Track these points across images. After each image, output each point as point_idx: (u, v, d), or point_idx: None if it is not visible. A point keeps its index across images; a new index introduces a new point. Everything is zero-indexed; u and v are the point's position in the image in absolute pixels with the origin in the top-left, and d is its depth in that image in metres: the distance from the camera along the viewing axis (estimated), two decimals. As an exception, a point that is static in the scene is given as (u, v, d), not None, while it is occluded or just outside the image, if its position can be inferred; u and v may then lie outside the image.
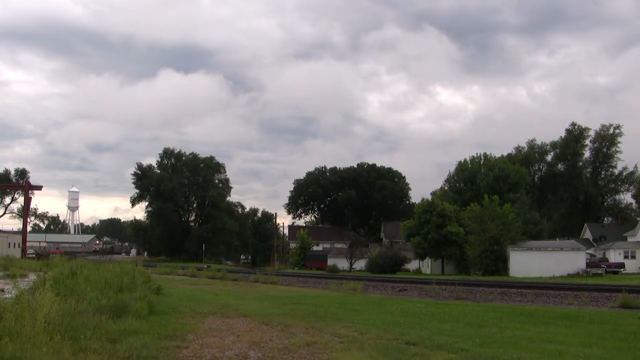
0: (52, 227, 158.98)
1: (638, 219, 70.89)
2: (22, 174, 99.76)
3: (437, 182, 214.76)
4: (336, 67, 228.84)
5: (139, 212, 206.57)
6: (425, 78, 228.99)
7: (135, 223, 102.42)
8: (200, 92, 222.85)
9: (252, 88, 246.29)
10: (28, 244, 68.36)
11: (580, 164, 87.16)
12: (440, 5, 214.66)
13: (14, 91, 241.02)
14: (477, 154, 73.00)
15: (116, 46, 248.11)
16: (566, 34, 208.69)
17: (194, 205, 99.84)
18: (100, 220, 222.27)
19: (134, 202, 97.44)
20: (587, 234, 73.03)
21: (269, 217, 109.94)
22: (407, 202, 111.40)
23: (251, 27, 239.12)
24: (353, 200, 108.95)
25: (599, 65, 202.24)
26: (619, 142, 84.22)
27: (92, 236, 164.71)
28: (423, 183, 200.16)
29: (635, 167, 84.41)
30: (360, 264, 65.92)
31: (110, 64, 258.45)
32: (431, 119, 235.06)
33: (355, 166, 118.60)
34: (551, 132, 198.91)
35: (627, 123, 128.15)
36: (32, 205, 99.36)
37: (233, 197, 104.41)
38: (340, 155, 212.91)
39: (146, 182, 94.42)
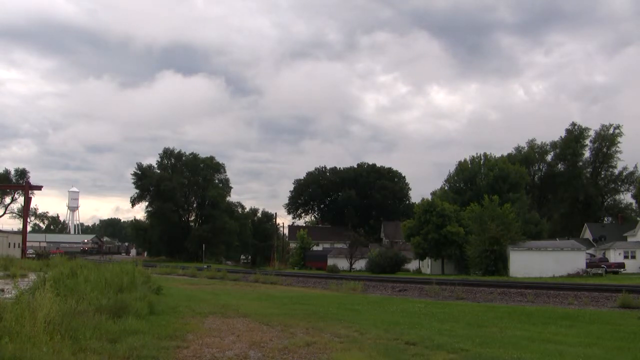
0: (52, 227, 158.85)
1: (638, 219, 70.87)
2: (22, 174, 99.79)
3: (434, 182, 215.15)
4: (332, 67, 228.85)
5: (139, 212, 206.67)
6: (421, 78, 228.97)
7: (135, 223, 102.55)
8: (198, 92, 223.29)
9: (249, 88, 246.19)
10: (28, 244, 68.45)
11: (580, 164, 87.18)
12: (436, 4, 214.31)
13: (9, 90, 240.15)
14: (477, 154, 73.12)
15: (113, 46, 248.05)
16: (563, 33, 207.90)
17: (194, 205, 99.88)
18: (101, 220, 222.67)
19: (134, 202, 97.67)
20: (587, 234, 73.01)
21: (269, 217, 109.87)
22: (407, 202, 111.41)
23: (246, 26, 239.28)
24: (353, 200, 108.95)
25: (596, 64, 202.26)
26: (619, 142, 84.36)
27: (92, 236, 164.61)
28: (420, 183, 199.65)
29: (635, 167, 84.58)
30: (360, 264, 65.91)
31: (108, 65, 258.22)
32: (428, 118, 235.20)
33: (355, 166, 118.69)
34: (549, 132, 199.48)
35: (625, 122, 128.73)
36: (32, 205, 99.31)
37: (232, 197, 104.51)
38: (338, 155, 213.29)
39: (146, 182, 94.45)
